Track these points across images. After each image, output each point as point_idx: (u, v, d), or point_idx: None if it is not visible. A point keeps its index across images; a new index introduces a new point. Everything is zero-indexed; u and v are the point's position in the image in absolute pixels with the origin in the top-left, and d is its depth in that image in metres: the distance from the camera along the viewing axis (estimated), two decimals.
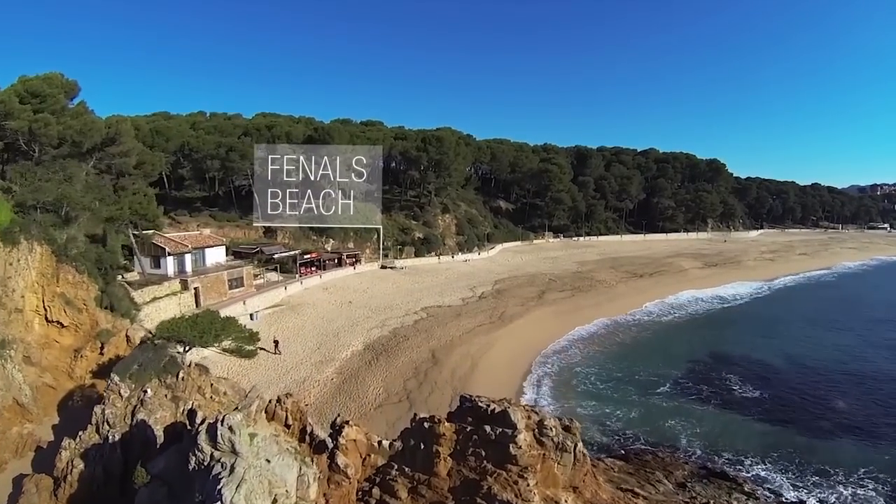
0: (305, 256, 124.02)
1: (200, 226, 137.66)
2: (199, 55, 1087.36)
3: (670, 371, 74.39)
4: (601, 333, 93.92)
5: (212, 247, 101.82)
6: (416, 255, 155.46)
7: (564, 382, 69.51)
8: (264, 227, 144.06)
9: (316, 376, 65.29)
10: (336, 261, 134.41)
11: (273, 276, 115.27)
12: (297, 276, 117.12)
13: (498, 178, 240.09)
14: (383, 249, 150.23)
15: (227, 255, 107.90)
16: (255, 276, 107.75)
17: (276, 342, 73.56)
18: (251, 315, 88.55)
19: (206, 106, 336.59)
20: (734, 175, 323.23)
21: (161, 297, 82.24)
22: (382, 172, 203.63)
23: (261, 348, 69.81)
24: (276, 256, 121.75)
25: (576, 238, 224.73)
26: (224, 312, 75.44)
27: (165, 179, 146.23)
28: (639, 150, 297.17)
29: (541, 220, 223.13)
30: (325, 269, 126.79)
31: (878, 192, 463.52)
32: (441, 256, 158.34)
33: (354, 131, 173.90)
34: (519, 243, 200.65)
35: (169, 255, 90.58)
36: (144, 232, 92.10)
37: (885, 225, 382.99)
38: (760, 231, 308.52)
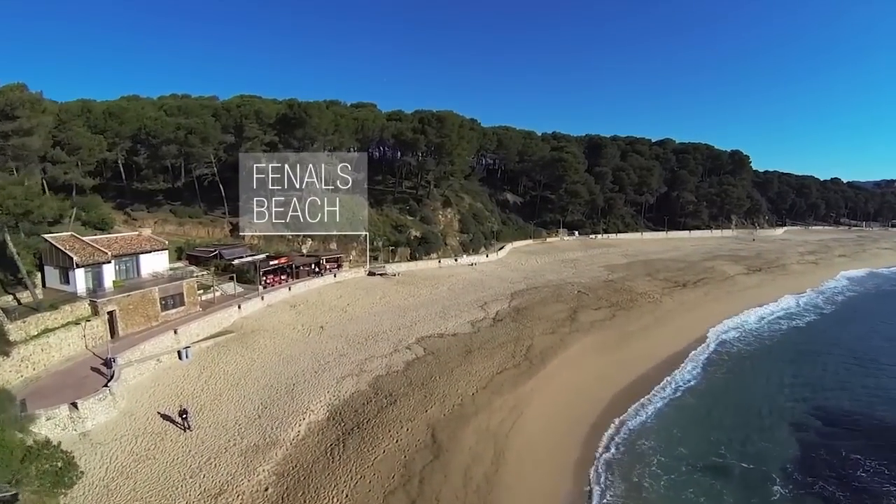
0: (272, 262, 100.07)
1: (158, 222, 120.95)
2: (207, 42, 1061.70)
3: (773, 451, 52.58)
4: (662, 376, 70.08)
5: (148, 252, 78.86)
6: (412, 258, 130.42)
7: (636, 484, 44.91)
8: (231, 224, 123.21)
9: (239, 484, 39.82)
10: (312, 266, 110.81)
11: (231, 287, 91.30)
12: (260, 287, 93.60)
13: (505, 168, 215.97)
14: (371, 251, 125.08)
15: (181, 260, 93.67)
16: (207, 288, 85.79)
17: (182, 413, 48.18)
18: (181, 352, 64.94)
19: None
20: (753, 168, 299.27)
21: (55, 329, 59.52)
22: (374, 160, 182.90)
23: (165, 417, 48.36)
24: (235, 262, 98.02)
25: (593, 236, 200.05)
26: (145, 347, 61.85)
27: (122, 169, 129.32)
28: (654, 141, 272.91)
29: (553, 215, 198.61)
30: (297, 277, 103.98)
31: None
32: (442, 259, 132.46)
33: (340, 111, 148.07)
34: (530, 242, 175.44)
35: (78, 266, 67.70)
36: (54, 235, 71.12)
37: None
38: (785, 228, 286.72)
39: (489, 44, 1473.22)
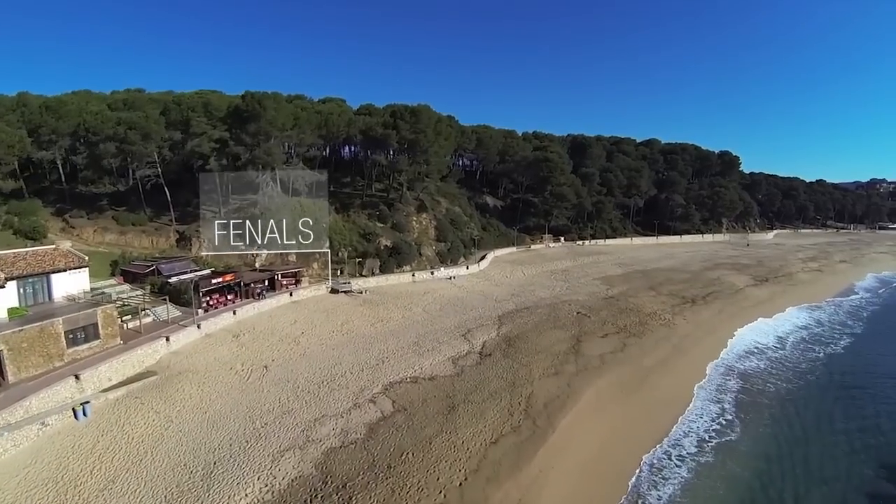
0: (215, 280, 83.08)
1: (98, 230, 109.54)
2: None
3: None
4: (694, 426, 55.07)
5: (63, 270, 64.62)
6: (382, 271, 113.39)
7: None
8: (178, 233, 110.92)
9: None
10: (266, 283, 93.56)
11: (166, 310, 74.71)
12: (199, 311, 77.27)
13: (484, 169, 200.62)
14: (335, 264, 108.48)
15: (114, 276, 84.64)
16: (136, 313, 70.54)
17: None
18: (76, 409, 49.15)
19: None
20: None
21: None
22: (342, 160, 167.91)
23: None
24: (171, 280, 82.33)
25: (580, 242, 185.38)
26: (31, 403, 47.25)
27: (61, 170, 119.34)
28: (640, 141, 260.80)
29: (536, 219, 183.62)
30: (247, 297, 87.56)
31: (881, 189, 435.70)
32: (416, 273, 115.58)
33: (302, 104, 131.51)
34: (514, 250, 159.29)
35: None
36: None
37: (895, 225, 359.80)
38: (775, 232, 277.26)
39: (467, 39, 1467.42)
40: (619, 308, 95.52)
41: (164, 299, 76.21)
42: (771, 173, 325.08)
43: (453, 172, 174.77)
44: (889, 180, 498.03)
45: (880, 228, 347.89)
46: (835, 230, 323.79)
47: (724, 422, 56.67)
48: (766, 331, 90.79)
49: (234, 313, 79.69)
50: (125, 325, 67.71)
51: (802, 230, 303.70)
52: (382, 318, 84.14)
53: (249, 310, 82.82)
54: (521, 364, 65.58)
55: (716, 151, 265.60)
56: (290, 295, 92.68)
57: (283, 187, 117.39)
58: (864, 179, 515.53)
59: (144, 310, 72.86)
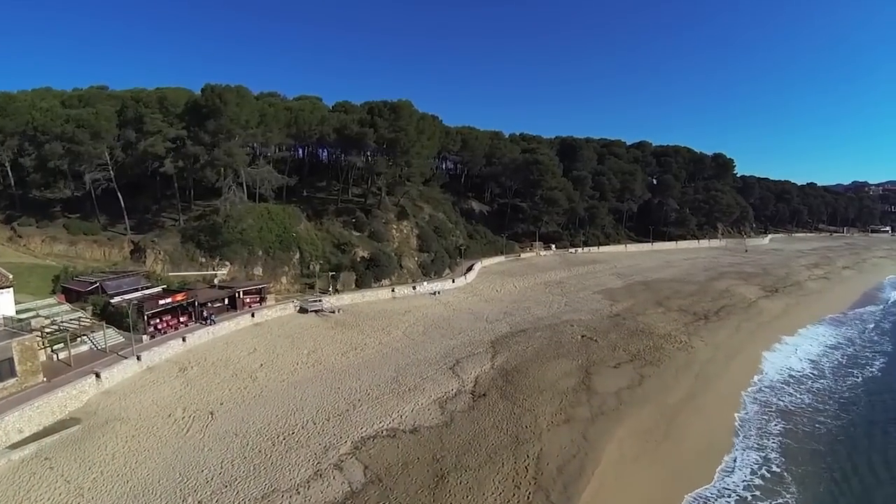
0: (163, 301, 71.99)
1: (46, 240, 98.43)
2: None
3: None
4: (739, 489, 44.10)
5: None
6: (359, 286, 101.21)
7: None
8: (133, 243, 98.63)
9: None
10: (226, 301, 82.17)
11: (110, 336, 65.16)
12: (144, 337, 66.91)
13: (469, 172, 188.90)
14: (306, 278, 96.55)
15: (55, 294, 74.16)
16: (74, 339, 60.65)
17: None
18: None
19: None
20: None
21: None
22: (319, 161, 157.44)
23: None
24: (114, 301, 71.27)
25: (573, 250, 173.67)
26: None
27: (10, 173, 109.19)
28: (630, 143, 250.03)
29: (525, 225, 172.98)
30: (204, 319, 75.86)
31: (871, 192, 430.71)
32: (396, 287, 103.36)
33: (271, 101, 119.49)
34: (502, 259, 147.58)
35: None
36: None
37: (887, 228, 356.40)
38: (770, 236, 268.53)
39: (452, 35, 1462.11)
40: (628, 329, 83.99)
41: (102, 323, 65.77)
42: (762, 177, 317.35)
43: (437, 175, 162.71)
44: (871, 183, 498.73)
45: (872, 231, 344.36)
46: (828, 234, 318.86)
47: (771, 476, 45.77)
48: (796, 353, 80.00)
49: (184, 340, 68.15)
50: (55, 356, 58.20)
51: (796, 234, 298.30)
52: (356, 344, 72.20)
53: (203, 335, 71.61)
54: (523, 408, 53.59)
55: (709, 154, 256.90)
56: (252, 316, 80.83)
57: (248, 192, 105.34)
58: (847, 182, 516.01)
59: (81, 336, 62.10)
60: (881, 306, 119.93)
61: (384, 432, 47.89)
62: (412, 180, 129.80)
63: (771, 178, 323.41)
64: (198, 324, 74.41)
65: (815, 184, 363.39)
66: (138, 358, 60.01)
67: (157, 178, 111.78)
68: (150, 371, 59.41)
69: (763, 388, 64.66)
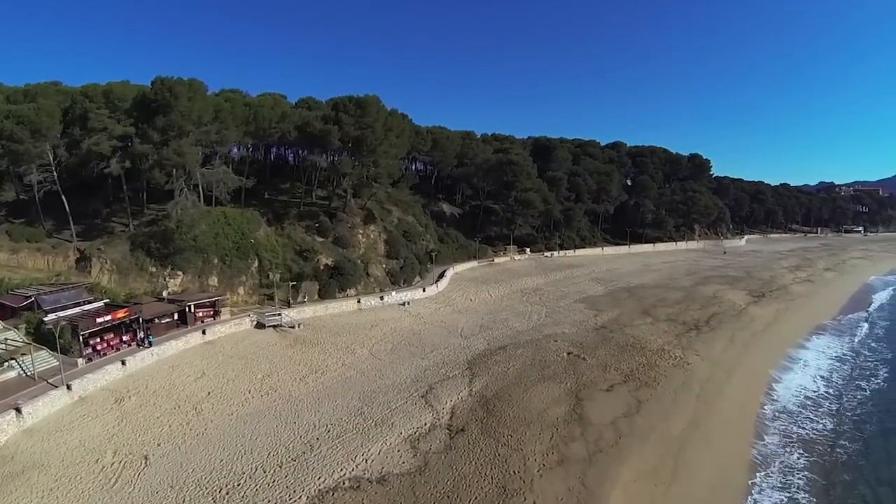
0: (101, 319, 64.40)
1: None
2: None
3: None
4: None
5: None
6: (322, 296, 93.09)
7: None
8: (80, 251, 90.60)
9: None
10: (175, 317, 74.35)
11: (42, 358, 59.04)
12: (81, 360, 60.14)
13: (440, 173, 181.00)
14: (265, 287, 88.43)
15: None
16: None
17: None
18: None
19: None
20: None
21: None
22: (286, 162, 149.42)
23: None
24: (47, 319, 63.75)
25: (548, 254, 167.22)
26: None
27: None
28: (605, 144, 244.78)
29: (498, 228, 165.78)
30: (135, 343, 67.25)
31: (841, 192, 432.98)
32: (362, 298, 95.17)
33: (228, 96, 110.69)
34: (475, 264, 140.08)
35: None
36: None
37: (860, 228, 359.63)
38: (746, 237, 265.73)
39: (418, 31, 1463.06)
40: (617, 344, 76.66)
41: (31, 345, 58.54)
42: (735, 177, 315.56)
43: (406, 177, 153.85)
44: (837, 183, 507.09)
45: (846, 232, 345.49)
46: (802, 234, 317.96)
47: None
48: (806, 369, 74.47)
49: (124, 363, 60.01)
50: None
51: (771, 235, 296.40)
52: (317, 366, 64.09)
53: (146, 357, 63.54)
54: (508, 447, 45.66)
55: (685, 154, 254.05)
56: (204, 333, 72.73)
57: (204, 195, 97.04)
58: (813, 183, 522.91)
59: (9, 361, 56.11)
60: (870, 310, 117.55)
61: (346, 483, 39.86)
62: (380, 181, 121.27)
63: (745, 179, 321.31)
64: (158, 339, 67.34)
65: (789, 184, 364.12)
66: (69, 387, 52.28)
67: (110, 179, 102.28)
68: (82, 403, 51.51)
69: (782, 416, 57.70)
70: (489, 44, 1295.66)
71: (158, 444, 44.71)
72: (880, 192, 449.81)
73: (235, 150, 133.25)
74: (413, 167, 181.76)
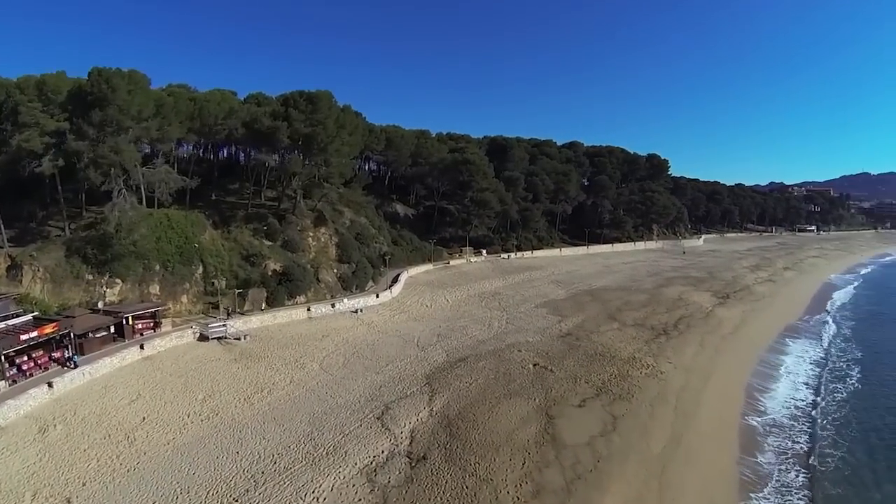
0: (25, 336, 57.68)
1: None
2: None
3: None
4: None
5: None
6: (270, 304, 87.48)
7: None
8: (11, 258, 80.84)
9: None
10: (111, 330, 67.38)
11: None
12: (2, 382, 53.94)
13: (393, 173, 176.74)
14: (210, 295, 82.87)
15: None
16: None
17: None
18: None
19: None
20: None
21: None
22: (236, 161, 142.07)
23: None
24: None
25: (505, 255, 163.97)
26: None
27: None
28: (562, 143, 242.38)
29: (453, 230, 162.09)
30: (83, 352, 62.26)
31: (794, 192, 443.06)
32: (313, 305, 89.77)
33: (174, 91, 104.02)
34: (430, 267, 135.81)
35: None
36: None
37: (812, 227, 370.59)
38: (703, 237, 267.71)
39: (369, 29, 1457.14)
40: (584, 353, 72.49)
41: None
42: (692, 177, 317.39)
43: (359, 177, 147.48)
44: (787, 183, 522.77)
45: (800, 231, 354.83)
46: (758, 234, 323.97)
47: None
48: (786, 375, 72.56)
49: (51, 386, 53.59)
50: None
51: (728, 234, 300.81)
52: (263, 384, 58.44)
53: (77, 377, 56.94)
54: (477, 477, 40.89)
55: (643, 154, 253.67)
56: (142, 348, 66.53)
57: (146, 197, 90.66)
58: (764, 183, 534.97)
59: None
60: (833, 310, 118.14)
61: None
62: (331, 181, 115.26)
63: (702, 179, 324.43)
64: (89, 354, 61.37)
65: (743, 184, 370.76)
66: None
67: (47, 179, 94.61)
68: (2, 434, 45.15)
69: (775, 430, 54.42)
70: (445, 46, 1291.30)
71: (84, 484, 38.63)
72: (831, 192, 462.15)
73: (184, 148, 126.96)
74: (366, 167, 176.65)
